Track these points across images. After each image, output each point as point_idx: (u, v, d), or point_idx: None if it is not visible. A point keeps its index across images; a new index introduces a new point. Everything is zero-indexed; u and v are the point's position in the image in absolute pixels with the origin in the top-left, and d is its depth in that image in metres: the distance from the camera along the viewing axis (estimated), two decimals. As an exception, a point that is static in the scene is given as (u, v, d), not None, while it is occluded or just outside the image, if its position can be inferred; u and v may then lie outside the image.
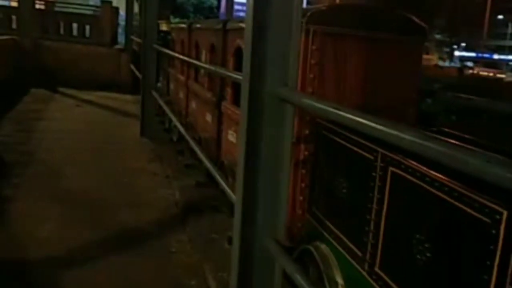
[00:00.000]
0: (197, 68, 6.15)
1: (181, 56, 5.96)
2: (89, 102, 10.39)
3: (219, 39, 4.84)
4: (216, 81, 5.12)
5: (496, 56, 36.29)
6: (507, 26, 46.31)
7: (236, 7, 16.19)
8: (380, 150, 2.23)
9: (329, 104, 1.77)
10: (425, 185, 1.98)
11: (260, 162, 2.09)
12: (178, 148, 7.02)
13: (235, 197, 2.23)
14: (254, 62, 1.94)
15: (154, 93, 7.66)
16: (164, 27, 10.61)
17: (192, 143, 4.98)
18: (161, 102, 7.18)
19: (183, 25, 7.15)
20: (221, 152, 5.03)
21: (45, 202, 4.72)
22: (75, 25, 12.54)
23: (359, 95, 3.46)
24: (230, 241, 4.40)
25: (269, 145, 2.08)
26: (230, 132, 4.53)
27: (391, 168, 2.18)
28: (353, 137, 2.44)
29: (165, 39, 9.02)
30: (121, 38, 13.78)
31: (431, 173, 1.94)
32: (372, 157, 2.30)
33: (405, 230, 2.11)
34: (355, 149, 2.44)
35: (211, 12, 28.16)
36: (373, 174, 2.29)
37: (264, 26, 1.92)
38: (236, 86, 4.44)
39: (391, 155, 2.16)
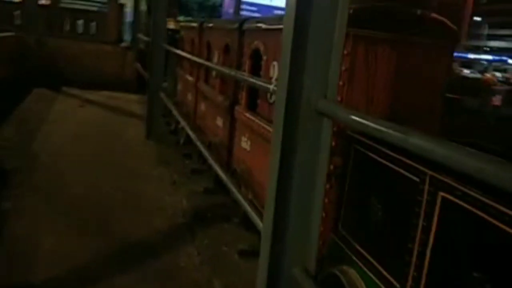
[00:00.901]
0: (207, 69, 5.88)
1: (191, 57, 5.67)
2: (93, 102, 10.12)
3: (235, 40, 4.56)
4: (229, 84, 4.84)
5: (471, 56, 36.53)
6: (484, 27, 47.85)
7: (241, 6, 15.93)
8: (429, 172, 1.96)
9: (380, 122, 1.51)
10: (485, 215, 1.70)
11: (294, 185, 1.82)
12: (185, 151, 6.74)
13: (263, 224, 1.95)
14: (292, 70, 1.66)
15: (161, 94, 7.40)
16: (171, 25, 10.33)
17: (202, 148, 4.71)
18: (169, 104, 6.91)
19: (193, 24, 6.85)
20: (233, 159, 4.75)
21: (47, 216, 4.41)
22: (80, 22, 12.25)
23: (388, 103, 3.19)
24: (241, 253, 4.14)
25: (304, 165, 1.80)
26: (244, 139, 4.25)
27: (441, 194, 1.91)
28: (394, 155, 2.16)
29: (172, 38, 8.73)
30: (126, 36, 13.50)
31: (492, 203, 1.66)
32: (418, 180, 2.03)
33: (456, 263, 1.84)
34: (397, 168, 2.17)
35: (215, 10, 27.86)
36: (419, 198, 2.01)
37: (305, 30, 1.65)
38: (252, 91, 4.17)
39: (442, 178, 1.89)
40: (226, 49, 5.02)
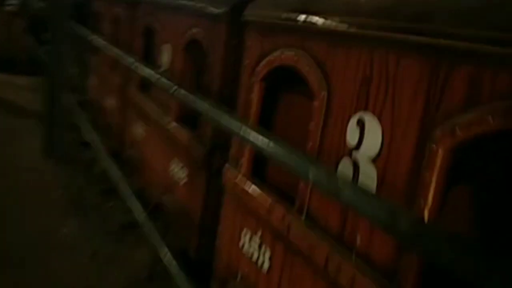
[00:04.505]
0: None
1: (118, 53, 3.42)
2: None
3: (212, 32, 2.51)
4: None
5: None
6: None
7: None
8: None
9: None
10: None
11: None
12: (104, 184, 4.47)
13: None
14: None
15: (67, 94, 5.05)
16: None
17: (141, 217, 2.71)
18: (78, 113, 4.63)
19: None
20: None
21: None
22: None
23: None
24: None
25: None
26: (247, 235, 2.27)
27: None
28: None
29: (81, 8, 6.12)
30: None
31: None
32: None
33: None
34: None
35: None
36: None
37: None
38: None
39: None
40: (191, 47, 2.92)
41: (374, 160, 1.41)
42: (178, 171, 2.96)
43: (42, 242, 3.61)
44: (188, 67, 3.03)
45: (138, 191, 3.68)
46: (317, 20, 1.69)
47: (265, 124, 2.17)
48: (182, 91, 2.18)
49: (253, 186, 2.10)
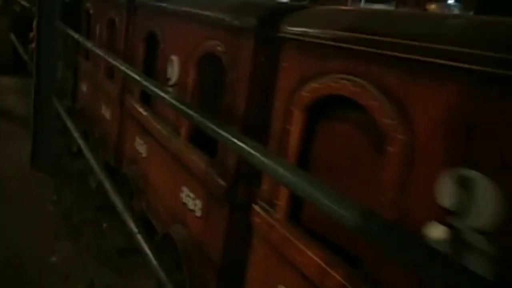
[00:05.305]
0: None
1: (113, 61, 3.03)
2: None
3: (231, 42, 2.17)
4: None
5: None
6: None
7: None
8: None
9: None
10: None
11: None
12: (98, 200, 4.07)
13: None
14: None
15: (55, 100, 4.66)
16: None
17: (145, 247, 2.39)
18: (67, 121, 4.26)
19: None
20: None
21: None
22: None
23: None
24: None
25: None
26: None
27: None
28: None
29: (71, 8, 5.69)
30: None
31: None
32: None
33: None
34: None
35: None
36: None
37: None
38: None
39: None
40: (193, 57, 2.58)
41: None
42: (190, 201, 2.63)
43: (31, 270, 3.25)
44: (202, 84, 2.69)
45: (140, 214, 3.35)
46: (392, 43, 1.38)
47: (305, 160, 1.86)
48: (201, 119, 1.84)
49: (295, 237, 1.78)
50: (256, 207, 2.01)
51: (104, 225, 3.96)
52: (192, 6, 2.68)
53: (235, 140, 1.58)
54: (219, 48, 2.39)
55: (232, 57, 2.28)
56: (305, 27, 1.78)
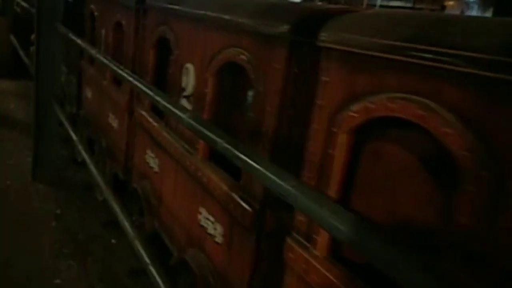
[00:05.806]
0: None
1: (118, 70, 2.76)
2: None
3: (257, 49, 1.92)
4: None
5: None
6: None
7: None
8: None
9: None
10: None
11: None
12: (105, 216, 3.83)
13: None
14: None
15: (56, 107, 4.41)
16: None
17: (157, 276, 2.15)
18: (69, 129, 4.01)
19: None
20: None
21: None
22: None
23: None
24: None
25: None
26: None
27: None
28: None
29: (72, 11, 5.42)
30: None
31: None
32: None
33: None
34: None
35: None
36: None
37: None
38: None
39: None
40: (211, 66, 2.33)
41: None
42: (209, 225, 2.38)
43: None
44: (221, 96, 2.44)
45: (152, 233, 3.11)
46: (473, 58, 1.13)
47: (351, 192, 1.61)
48: (227, 145, 1.57)
49: (340, 280, 1.53)
50: (290, 240, 1.76)
51: (113, 241, 3.72)
52: (211, 9, 2.43)
53: (275, 179, 1.32)
54: (243, 56, 2.14)
55: (259, 68, 2.03)
56: (352, 34, 1.53)
